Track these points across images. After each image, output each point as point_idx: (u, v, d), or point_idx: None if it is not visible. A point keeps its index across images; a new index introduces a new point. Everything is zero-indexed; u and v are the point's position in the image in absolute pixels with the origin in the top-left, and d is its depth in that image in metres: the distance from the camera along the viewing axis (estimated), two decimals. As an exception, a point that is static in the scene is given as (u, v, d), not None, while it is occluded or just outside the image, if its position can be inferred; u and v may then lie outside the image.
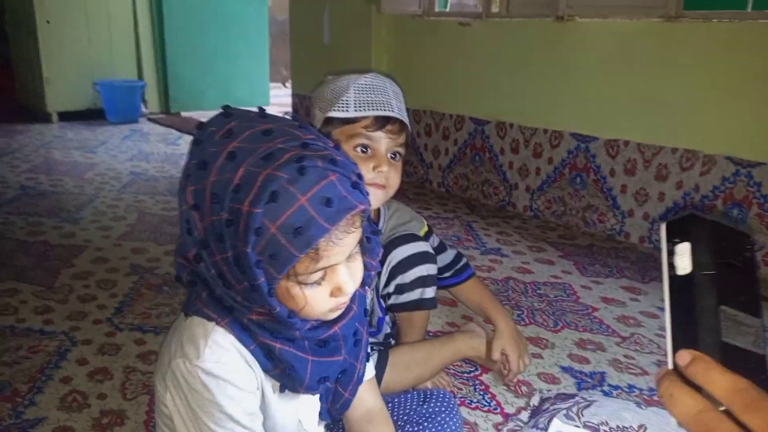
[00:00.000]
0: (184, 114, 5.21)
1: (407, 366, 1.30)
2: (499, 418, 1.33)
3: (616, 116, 2.44)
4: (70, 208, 2.67)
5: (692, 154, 2.24)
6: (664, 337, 0.40)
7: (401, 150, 1.15)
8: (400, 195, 1.44)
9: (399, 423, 1.03)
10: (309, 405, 0.80)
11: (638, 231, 2.43)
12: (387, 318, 1.38)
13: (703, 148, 2.21)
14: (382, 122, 1.10)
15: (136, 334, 1.60)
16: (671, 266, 0.40)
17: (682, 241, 0.39)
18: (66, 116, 4.76)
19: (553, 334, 1.70)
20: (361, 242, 0.68)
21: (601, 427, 1.22)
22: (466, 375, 1.48)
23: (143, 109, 5.04)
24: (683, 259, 0.39)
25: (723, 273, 0.38)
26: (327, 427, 0.93)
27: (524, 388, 1.43)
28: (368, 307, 1.33)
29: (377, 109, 1.10)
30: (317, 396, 0.79)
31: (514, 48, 2.77)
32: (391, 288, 1.29)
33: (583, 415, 1.25)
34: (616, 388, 1.46)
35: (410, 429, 1.02)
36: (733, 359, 0.37)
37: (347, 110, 1.10)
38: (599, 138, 2.51)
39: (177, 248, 0.69)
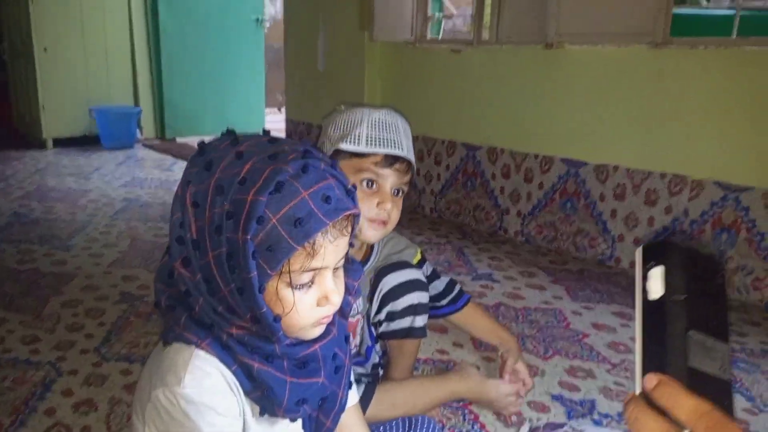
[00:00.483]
0: (179, 140, 5.24)
1: (393, 404, 1.28)
2: (487, 449, 1.31)
3: (605, 141, 2.47)
4: (61, 235, 2.67)
5: (681, 179, 2.26)
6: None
7: (405, 187, 1.17)
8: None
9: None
10: (291, 433, 0.79)
11: (629, 256, 2.44)
12: (377, 347, 1.37)
13: (691, 173, 2.23)
14: (391, 161, 1.12)
15: (123, 364, 1.59)
16: (644, 290, 0.40)
17: (656, 265, 0.39)
18: (61, 142, 4.78)
19: (543, 361, 1.69)
20: (345, 261, 0.70)
21: (589, 457, 1.20)
22: (455, 404, 1.47)
23: (138, 135, 5.07)
24: (656, 284, 0.39)
25: (694, 298, 0.39)
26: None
27: (514, 417, 1.42)
28: (358, 335, 1.32)
29: (388, 147, 1.11)
30: (299, 423, 0.79)
31: (505, 74, 2.81)
32: (382, 315, 1.29)
33: (571, 446, 1.24)
34: (606, 416, 1.45)
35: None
36: (699, 384, 0.37)
37: (359, 144, 1.11)
38: (589, 163, 2.53)
39: (157, 273, 0.70)
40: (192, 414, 0.65)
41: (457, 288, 1.45)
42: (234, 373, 0.68)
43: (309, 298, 0.67)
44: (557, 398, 1.51)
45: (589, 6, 2.42)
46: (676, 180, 2.27)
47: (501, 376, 1.39)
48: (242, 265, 0.61)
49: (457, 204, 3.11)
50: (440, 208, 3.20)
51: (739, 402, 1.52)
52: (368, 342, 1.33)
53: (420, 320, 1.29)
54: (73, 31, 4.68)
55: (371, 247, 1.31)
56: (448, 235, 2.89)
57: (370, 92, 3.41)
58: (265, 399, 0.70)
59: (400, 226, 2.83)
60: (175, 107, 5.18)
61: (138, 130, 5.05)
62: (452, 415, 1.43)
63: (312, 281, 0.66)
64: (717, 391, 0.38)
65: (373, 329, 1.33)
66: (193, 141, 5.14)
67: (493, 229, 2.95)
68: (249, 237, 0.60)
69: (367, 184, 1.12)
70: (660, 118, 2.28)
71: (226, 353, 0.67)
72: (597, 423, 1.42)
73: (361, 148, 1.11)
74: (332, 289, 0.67)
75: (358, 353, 1.33)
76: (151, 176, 3.96)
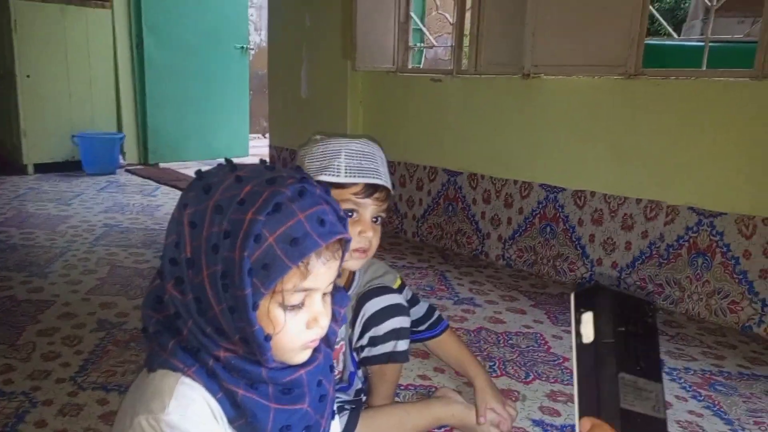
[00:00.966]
0: (162, 165, 5.22)
1: (378, 431, 1.28)
2: (468, 475, 1.31)
3: (582, 168, 2.52)
4: (40, 261, 2.63)
5: (656, 204, 2.31)
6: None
7: (383, 214, 1.19)
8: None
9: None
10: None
11: (607, 280, 2.47)
12: (359, 373, 1.37)
13: (666, 198, 2.28)
14: (371, 190, 1.14)
15: (100, 394, 1.56)
16: (578, 335, 0.41)
17: (587, 310, 0.41)
18: (43, 168, 4.73)
19: (524, 386, 1.70)
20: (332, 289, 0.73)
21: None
22: (437, 431, 1.46)
23: (121, 161, 5.04)
24: (587, 328, 0.40)
25: (622, 341, 0.40)
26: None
27: (495, 443, 1.42)
28: (341, 361, 1.32)
29: (367, 177, 1.14)
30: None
31: (484, 103, 2.87)
32: (364, 341, 1.29)
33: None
34: (586, 440, 1.45)
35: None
36: (633, 424, 0.38)
37: (338, 175, 1.13)
38: (567, 189, 2.57)
39: (145, 299, 0.71)
40: None
41: (436, 314, 1.47)
42: (219, 401, 0.68)
43: (299, 319, 0.68)
44: (538, 423, 1.52)
45: (564, 38, 2.50)
46: (652, 205, 2.32)
47: (477, 422, 1.37)
48: (237, 282, 0.62)
49: (439, 228, 3.13)
50: (422, 232, 3.22)
51: (717, 425, 1.54)
52: (351, 368, 1.33)
53: (402, 344, 1.30)
54: (56, 58, 4.67)
55: (353, 274, 1.32)
56: (430, 259, 2.91)
57: (352, 119, 3.45)
58: (248, 427, 0.70)
59: (383, 251, 2.83)
60: (158, 133, 5.17)
61: (121, 156, 5.03)
62: (433, 442, 1.42)
63: (302, 303, 0.68)
64: (651, 431, 0.39)
65: (355, 355, 1.33)
66: (176, 166, 5.13)
67: (474, 253, 2.97)
68: (246, 254, 0.61)
69: (347, 213, 1.14)
70: (634, 145, 2.35)
71: (212, 381, 0.68)
72: (577, 447, 1.42)
73: (341, 178, 1.13)
74: (321, 311, 0.69)
75: (341, 379, 1.33)
76: (132, 201, 3.93)
